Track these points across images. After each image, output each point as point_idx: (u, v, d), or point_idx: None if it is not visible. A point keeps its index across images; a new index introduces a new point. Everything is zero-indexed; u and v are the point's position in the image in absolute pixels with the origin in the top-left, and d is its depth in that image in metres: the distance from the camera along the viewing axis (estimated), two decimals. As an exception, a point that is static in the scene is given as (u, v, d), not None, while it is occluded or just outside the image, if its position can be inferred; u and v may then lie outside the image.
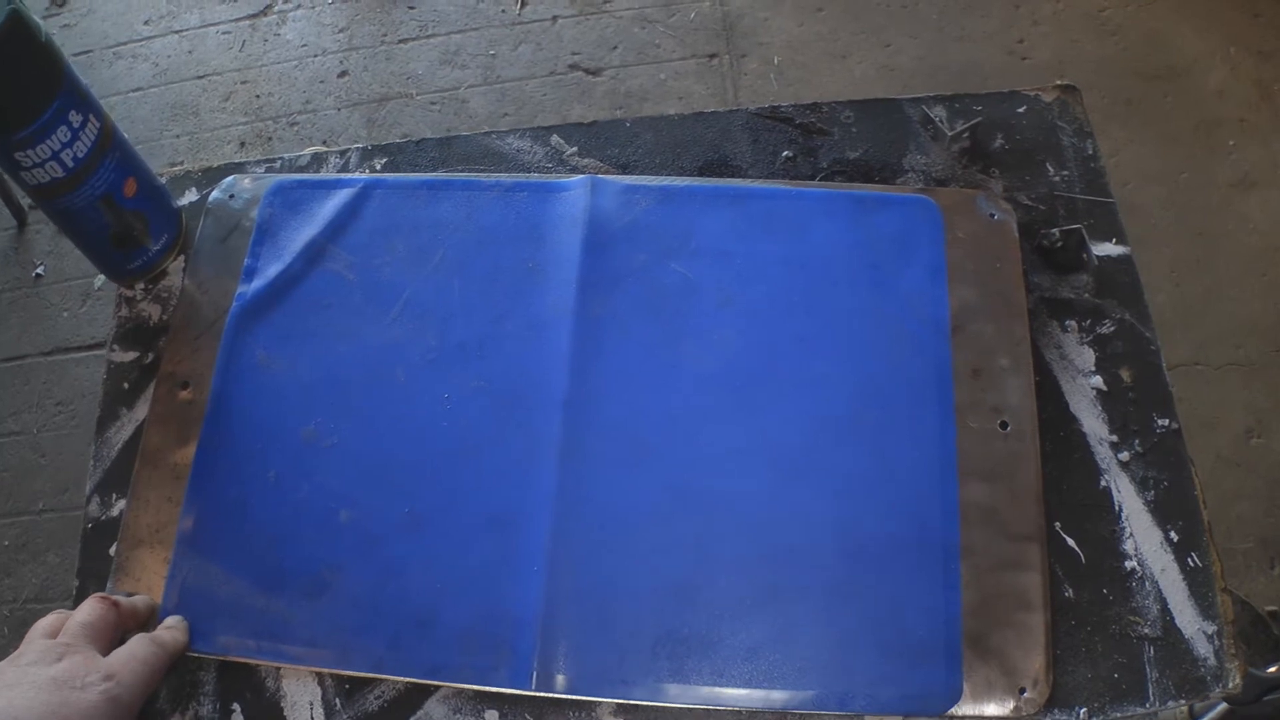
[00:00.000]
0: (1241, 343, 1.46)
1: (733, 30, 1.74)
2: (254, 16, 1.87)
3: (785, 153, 0.66)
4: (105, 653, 0.49)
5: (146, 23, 1.89)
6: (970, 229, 0.61)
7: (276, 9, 1.87)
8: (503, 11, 1.81)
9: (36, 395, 1.56)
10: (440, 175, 0.66)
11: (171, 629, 0.54)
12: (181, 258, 0.65)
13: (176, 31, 1.88)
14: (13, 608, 1.41)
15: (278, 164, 0.68)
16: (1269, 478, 1.36)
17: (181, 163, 1.73)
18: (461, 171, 0.66)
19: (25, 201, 1.68)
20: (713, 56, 1.73)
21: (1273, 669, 0.89)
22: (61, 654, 0.47)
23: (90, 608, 0.50)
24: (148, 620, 0.54)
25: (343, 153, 0.68)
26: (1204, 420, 1.40)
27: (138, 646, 0.50)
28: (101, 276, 1.61)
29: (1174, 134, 1.61)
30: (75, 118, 0.55)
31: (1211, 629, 0.52)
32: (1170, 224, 1.54)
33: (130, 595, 0.55)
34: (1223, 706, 0.92)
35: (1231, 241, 1.53)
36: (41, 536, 1.46)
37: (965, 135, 0.65)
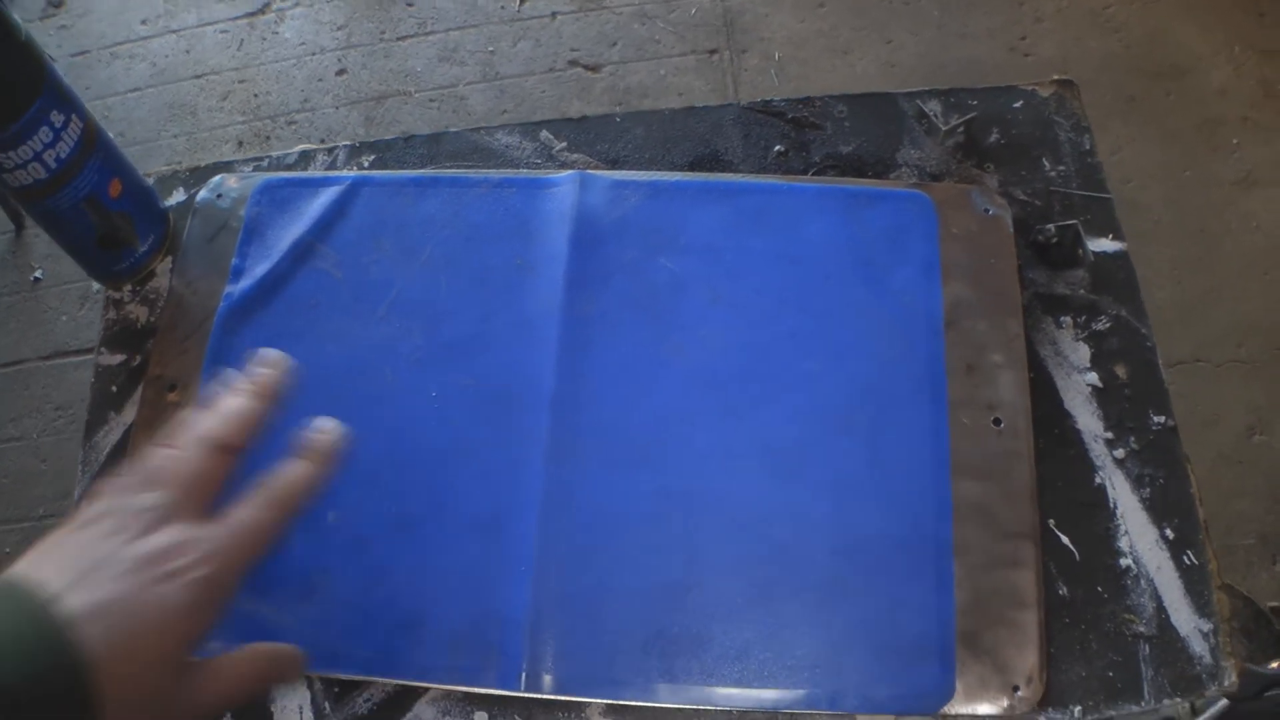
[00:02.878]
0: (1243, 341, 1.45)
1: (733, 26, 1.74)
2: (252, 15, 1.87)
3: (777, 147, 0.65)
4: (206, 515, 0.38)
5: (144, 22, 1.89)
6: (965, 224, 0.60)
7: (274, 7, 1.86)
8: (502, 8, 1.80)
9: (36, 400, 1.55)
10: (428, 172, 0.65)
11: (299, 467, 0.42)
12: (169, 258, 0.65)
13: (174, 31, 1.87)
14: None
15: (265, 163, 0.68)
16: (1270, 475, 1.36)
17: (180, 163, 1.74)
18: (450, 168, 0.66)
19: (24, 203, 1.68)
20: (713, 52, 1.72)
21: (1274, 664, 0.88)
22: (159, 520, 0.36)
23: (201, 457, 0.39)
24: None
25: (330, 150, 0.68)
26: (1205, 418, 1.39)
27: (253, 512, 0.38)
28: (100, 278, 1.62)
29: (1177, 132, 1.60)
30: (57, 118, 0.54)
31: (1207, 627, 0.51)
32: (1172, 221, 1.53)
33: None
34: (1223, 703, 0.91)
35: (1233, 240, 1.52)
36: (42, 541, 1.46)
37: (960, 130, 0.64)
